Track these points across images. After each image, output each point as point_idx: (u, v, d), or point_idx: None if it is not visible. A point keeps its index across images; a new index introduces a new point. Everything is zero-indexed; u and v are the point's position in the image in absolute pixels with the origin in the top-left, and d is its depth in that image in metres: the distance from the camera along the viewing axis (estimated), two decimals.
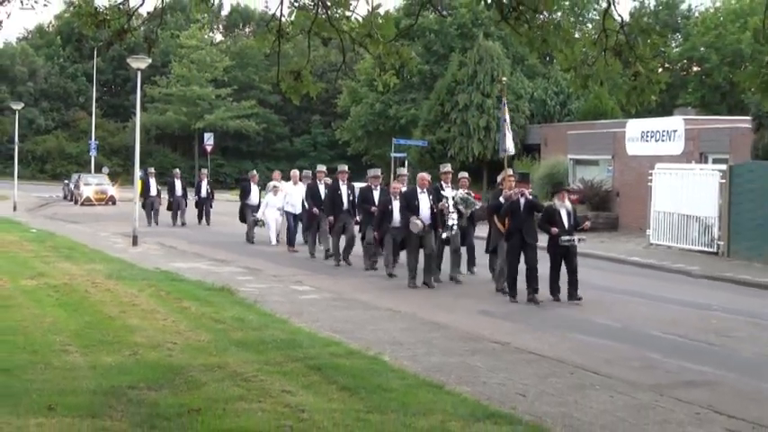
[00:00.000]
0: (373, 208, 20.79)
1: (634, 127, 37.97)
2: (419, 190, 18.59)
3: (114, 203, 47.09)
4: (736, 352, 12.90)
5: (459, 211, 19.02)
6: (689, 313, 16.10)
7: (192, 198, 36.14)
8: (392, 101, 59.64)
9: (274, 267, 21.75)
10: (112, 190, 49.63)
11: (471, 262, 20.63)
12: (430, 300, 17.04)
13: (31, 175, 74.35)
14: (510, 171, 19.11)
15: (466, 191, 19.85)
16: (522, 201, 16.36)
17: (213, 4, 11.41)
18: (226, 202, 43.47)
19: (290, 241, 25.87)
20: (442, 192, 19.12)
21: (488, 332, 13.67)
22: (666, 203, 28.30)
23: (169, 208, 34.44)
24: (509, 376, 10.73)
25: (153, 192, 34.39)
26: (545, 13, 7.85)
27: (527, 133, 54.03)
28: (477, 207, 19.93)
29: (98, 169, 60.72)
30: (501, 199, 17.43)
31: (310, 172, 26.59)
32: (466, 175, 20.65)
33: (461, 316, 15.25)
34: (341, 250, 22.25)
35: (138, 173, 31.41)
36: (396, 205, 19.30)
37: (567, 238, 16.32)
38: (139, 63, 27.44)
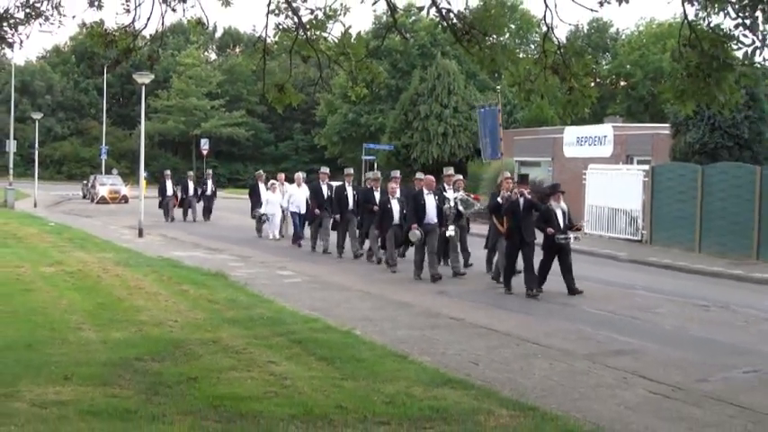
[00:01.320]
0: (375, 207, 19.67)
1: (570, 133, 38.16)
2: (425, 191, 17.51)
3: (127, 201, 46.18)
4: (658, 325, 12.97)
5: (459, 212, 18.03)
6: (617, 292, 16.20)
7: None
8: (363, 111, 59.92)
9: (261, 255, 21.68)
10: (125, 190, 48.80)
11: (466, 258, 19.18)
12: (396, 283, 17.02)
13: (49, 176, 73.75)
14: (507, 173, 18.10)
15: (464, 192, 18.90)
16: (522, 201, 15.23)
17: (207, 28, 11.38)
18: (222, 199, 43.18)
19: (296, 238, 24.22)
20: (444, 193, 18.06)
21: (446, 310, 13.68)
22: (598, 198, 28.54)
23: (180, 205, 33.61)
24: (464, 348, 10.76)
25: (169, 192, 33.49)
26: (493, 36, 7.85)
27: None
28: (477, 207, 18.99)
29: (108, 171, 60.25)
30: (499, 199, 16.45)
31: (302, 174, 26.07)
32: (460, 176, 19.70)
33: (423, 296, 15.25)
34: (343, 245, 21.20)
35: (142, 174, 31.41)
36: (394, 204, 18.60)
37: (562, 236, 15.32)
38: (143, 78, 27.37)
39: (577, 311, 13.89)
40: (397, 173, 20.83)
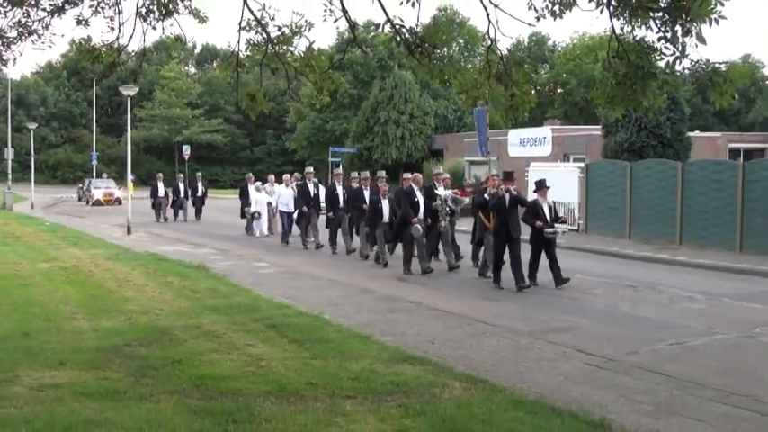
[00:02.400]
0: (364, 206, 18.88)
1: (514, 135, 38.50)
2: (415, 188, 16.67)
3: (120, 203, 44.31)
4: (593, 304, 13.08)
5: (450, 209, 17.05)
6: None
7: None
8: (328, 118, 59.96)
9: (239, 249, 21.56)
10: (118, 192, 47.03)
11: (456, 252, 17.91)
12: (361, 272, 17.02)
13: (44, 180, 73.08)
14: (494, 171, 17.52)
15: (453, 190, 18.06)
16: (508, 197, 14.25)
17: (186, 44, 11.35)
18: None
19: (284, 236, 23.05)
20: (435, 191, 17.06)
21: (406, 295, 13.71)
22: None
23: (172, 206, 32.70)
24: (421, 328, 10.79)
25: (161, 193, 32.47)
26: (442, 49, 7.86)
27: (433, 141, 54.52)
28: (466, 202, 17.74)
29: (99, 175, 59.31)
30: (485, 196, 15.41)
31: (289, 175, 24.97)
32: (447, 175, 18.80)
33: (385, 283, 15.27)
34: (335, 241, 20.25)
35: (130, 177, 31.42)
36: (385, 203, 17.59)
37: (551, 230, 14.50)
38: (129, 91, 27.25)
39: (522, 294, 13.95)
40: (382, 173, 20.32)
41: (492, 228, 14.76)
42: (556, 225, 14.84)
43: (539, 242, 14.65)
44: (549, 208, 14.89)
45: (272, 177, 27.74)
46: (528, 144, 37.68)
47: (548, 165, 30.98)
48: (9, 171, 48.40)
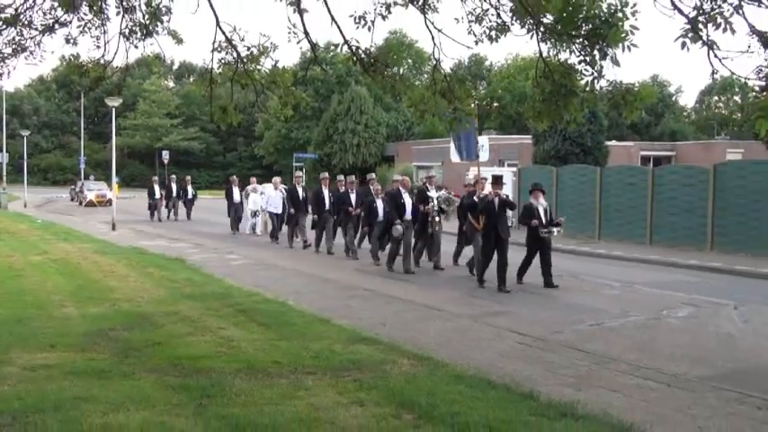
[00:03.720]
0: (350, 208, 17.95)
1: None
2: (402, 191, 15.59)
3: (111, 204, 43.54)
4: (525, 291, 13.19)
5: (441, 209, 15.71)
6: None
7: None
8: (293, 127, 59.78)
9: (213, 243, 21.36)
10: (110, 194, 45.83)
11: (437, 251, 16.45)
12: (323, 264, 16.96)
13: (36, 182, 71.57)
14: (482, 174, 16.17)
15: (446, 191, 16.88)
16: (497, 200, 13.11)
17: (165, 62, 11.23)
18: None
19: (273, 235, 21.95)
20: (428, 193, 15.71)
21: (362, 284, 13.70)
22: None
23: (166, 206, 31.45)
24: (375, 313, 10.81)
25: (157, 195, 31.20)
26: (394, 67, 7.89)
27: (385, 148, 54.78)
28: (457, 203, 16.20)
29: (86, 178, 58.12)
30: (474, 198, 14.30)
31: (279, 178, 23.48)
32: (436, 174, 17.54)
33: (344, 273, 15.25)
34: (322, 241, 18.92)
35: (114, 179, 30.94)
36: (379, 203, 16.74)
37: (545, 230, 13.45)
38: (114, 102, 26.81)
39: (465, 283, 14.03)
40: (372, 175, 19.80)
41: (482, 229, 13.62)
42: (550, 226, 13.66)
43: (534, 244, 13.65)
44: (545, 210, 13.78)
45: (253, 179, 26.81)
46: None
47: (485, 169, 31.24)
48: (4, 173, 47.36)
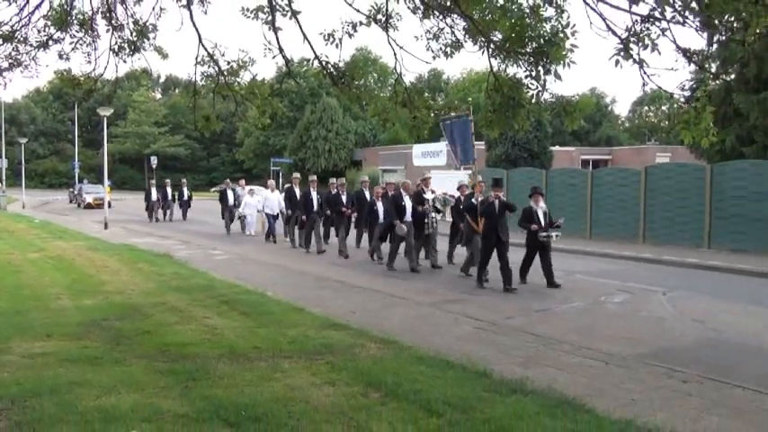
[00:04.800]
0: (343, 209, 17.10)
1: (417, 149, 38.81)
2: (403, 193, 14.72)
3: (110, 206, 41.80)
4: (489, 283, 13.14)
5: (437, 210, 15.01)
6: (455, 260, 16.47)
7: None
8: (270, 134, 59.62)
9: (198, 240, 21.12)
10: (108, 197, 44.41)
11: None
12: (298, 258, 16.88)
13: (34, 185, 70.31)
14: (480, 177, 15.18)
15: (443, 192, 16.23)
16: (497, 203, 12.24)
17: (152, 75, 11.15)
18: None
19: (269, 235, 20.69)
20: (423, 195, 14.87)
21: (334, 276, 13.66)
22: (438, 193, 28.99)
23: (162, 208, 30.37)
24: (345, 301, 10.79)
25: (153, 197, 30.16)
26: (360, 80, 7.88)
27: (353, 153, 54.82)
28: (452, 203, 15.42)
29: (80, 181, 56.92)
30: (473, 200, 13.45)
31: (272, 181, 22.87)
32: (430, 175, 16.39)
33: (317, 266, 15.18)
34: (312, 241, 17.88)
35: (106, 182, 30.48)
36: (379, 206, 15.90)
37: (544, 234, 12.48)
38: (105, 111, 26.33)
39: (425, 275, 14.06)
40: (365, 177, 19.06)
41: (482, 231, 12.74)
42: (550, 229, 12.65)
43: (533, 246, 12.68)
44: (544, 213, 12.75)
45: (242, 182, 26.24)
46: (428, 156, 38.05)
47: (443, 172, 31.37)
48: (3, 177, 46.35)
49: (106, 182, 30.46)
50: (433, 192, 15.60)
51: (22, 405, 5.48)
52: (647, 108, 76.67)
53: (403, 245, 14.61)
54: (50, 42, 7.77)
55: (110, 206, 41.36)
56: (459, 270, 13.89)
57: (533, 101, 7.23)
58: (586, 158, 41.40)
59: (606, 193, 21.16)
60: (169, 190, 30.38)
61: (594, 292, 12.05)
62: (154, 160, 58.18)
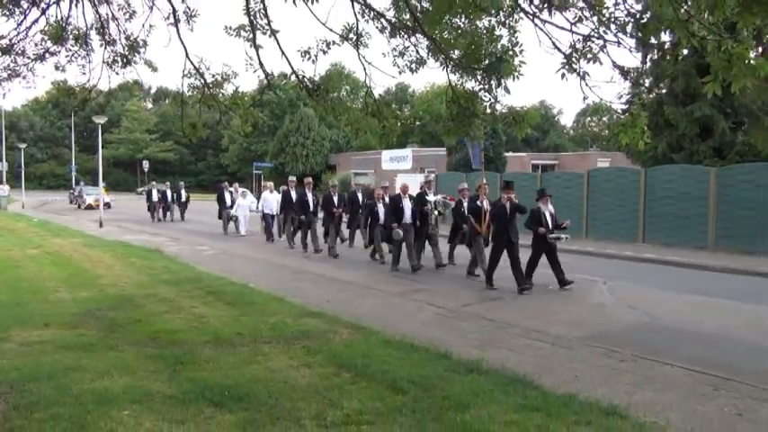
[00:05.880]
0: (334, 209, 16.17)
1: (386, 154, 38.86)
2: (402, 196, 13.81)
3: (109, 207, 39.54)
4: (445, 274, 13.24)
5: (439, 212, 14.29)
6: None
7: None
8: (253, 141, 59.25)
9: (186, 237, 20.87)
10: (107, 198, 41.04)
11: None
12: (279, 253, 16.78)
13: (33, 187, 68.77)
14: (484, 180, 14.23)
15: (442, 195, 15.29)
16: (508, 205, 11.38)
17: (144, 87, 10.98)
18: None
19: (269, 235, 19.83)
20: (426, 197, 13.95)
21: (310, 268, 13.62)
22: (438, 197, 28.94)
23: (162, 209, 29.38)
24: (321, 292, 10.75)
25: (155, 198, 29.24)
26: (333, 93, 7.85)
27: (329, 159, 54.75)
28: (452, 206, 14.46)
29: (77, 183, 55.83)
30: (477, 203, 12.61)
31: (270, 184, 21.16)
32: (432, 178, 14.92)
33: (295, 260, 15.12)
34: (308, 241, 16.98)
35: (101, 184, 30.02)
36: (380, 207, 14.99)
37: (554, 235, 11.60)
38: (100, 119, 25.93)
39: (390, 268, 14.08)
40: (359, 180, 18.81)
41: (492, 234, 11.84)
42: (556, 231, 11.77)
43: (540, 247, 11.71)
44: (551, 215, 11.84)
45: (236, 185, 25.49)
46: (396, 161, 38.14)
47: (409, 175, 31.44)
48: (4, 179, 45.29)
49: (101, 183, 30.01)
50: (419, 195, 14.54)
51: (20, 389, 5.36)
52: (589, 119, 77.79)
53: (404, 246, 13.71)
54: (47, 55, 7.59)
55: (109, 207, 40.49)
56: (466, 272, 12.82)
57: (487, 111, 7.27)
58: (536, 163, 41.81)
59: (554, 194, 21.36)
60: (169, 192, 29.67)
61: (544, 281, 12.17)
62: (146, 164, 57.40)
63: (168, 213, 29.30)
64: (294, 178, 18.86)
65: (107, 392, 5.27)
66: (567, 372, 6.31)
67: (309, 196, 16.91)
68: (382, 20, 7.24)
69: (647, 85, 23.10)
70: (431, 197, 14.15)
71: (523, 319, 8.80)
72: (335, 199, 16.52)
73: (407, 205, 13.71)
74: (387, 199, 15.05)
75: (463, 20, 6.98)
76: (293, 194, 17.66)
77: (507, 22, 6.88)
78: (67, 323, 7.95)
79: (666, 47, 7.25)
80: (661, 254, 16.15)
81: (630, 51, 6.23)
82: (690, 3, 5.20)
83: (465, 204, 13.53)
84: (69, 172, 62.45)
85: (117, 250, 16.15)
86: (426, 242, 14.11)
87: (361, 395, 5.30)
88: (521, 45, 6.71)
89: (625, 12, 5.60)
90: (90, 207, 40.75)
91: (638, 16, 5.55)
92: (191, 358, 6.36)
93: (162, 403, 5.06)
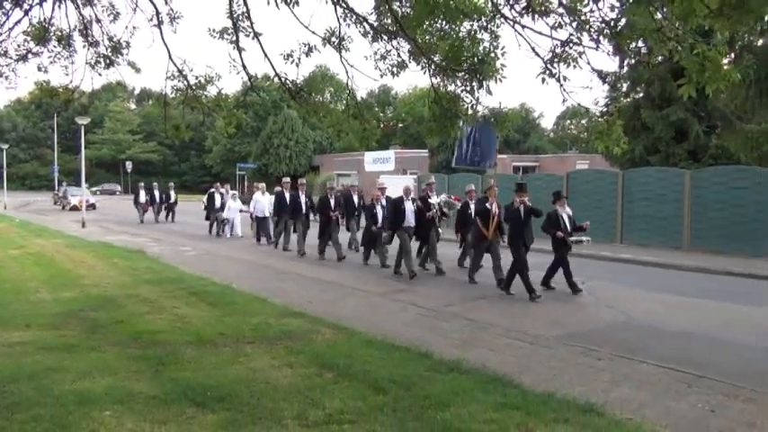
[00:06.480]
0: (330, 212, 15.50)
1: (369, 156, 38.84)
2: (404, 198, 13.11)
3: (95, 208, 38.46)
4: (427, 275, 13.17)
5: (443, 213, 13.40)
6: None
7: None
8: (237, 142, 58.95)
9: (168, 238, 20.67)
10: (92, 198, 40.92)
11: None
12: (261, 254, 16.70)
13: (15, 188, 67.53)
14: (492, 181, 13.63)
15: (447, 195, 14.53)
16: (522, 208, 10.78)
17: (127, 88, 10.87)
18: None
19: (258, 237, 19.30)
20: (429, 199, 13.08)
21: (293, 269, 13.57)
22: (391, 194, 28.96)
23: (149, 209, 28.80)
24: (304, 292, 10.72)
25: (142, 199, 28.60)
26: (317, 96, 7.84)
27: (312, 160, 54.71)
28: (457, 206, 13.85)
29: (59, 184, 54.96)
30: (487, 205, 11.82)
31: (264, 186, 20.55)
32: (434, 180, 14.21)
33: (278, 261, 15.06)
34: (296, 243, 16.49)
35: (84, 185, 29.64)
36: (379, 210, 14.40)
37: (575, 238, 11.04)
38: (83, 120, 25.64)
39: (373, 269, 14.03)
40: (354, 182, 18.36)
41: (508, 239, 11.12)
42: (575, 234, 11.18)
43: (561, 249, 11.08)
44: (569, 217, 11.22)
45: (227, 186, 24.56)
46: (378, 162, 38.17)
47: (392, 176, 31.47)
48: None
49: (84, 184, 29.57)
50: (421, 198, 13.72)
51: (1, 390, 5.28)
52: (569, 122, 78.45)
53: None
54: (30, 56, 7.50)
55: (94, 208, 39.54)
56: (468, 277, 12.25)
57: (469, 113, 7.31)
58: (517, 165, 42.03)
59: (533, 196, 21.34)
60: (157, 194, 28.95)
61: (521, 282, 12.18)
62: (129, 165, 56.83)
63: (158, 215, 28.64)
64: (288, 179, 18.36)
65: (89, 393, 5.21)
66: (546, 370, 6.35)
67: (302, 198, 16.57)
68: (365, 24, 7.25)
69: (624, 89, 23.39)
70: (434, 199, 13.36)
71: (504, 319, 8.84)
72: (332, 202, 15.88)
73: (409, 208, 13.08)
74: (384, 201, 14.70)
75: (445, 24, 7.02)
76: (287, 196, 17.12)
77: (489, 26, 6.93)
78: (49, 324, 7.85)
79: (643, 52, 7.34)
80: (638, 254, 16.33)
81: (608, 55, 6.31)
82: (665, 10, 5.28)
83: (472, 206, 13.08)
84: (52, 172, 61.56)
85: (99, 251, 15.97)
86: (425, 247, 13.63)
87: (342, 395, 5.30)
88: (503, 48, 6.76)
89: (600, 19, 5.67)
90: (75, 208, 39.96)
91: (612, 24, 5.62)
92: (173, 359, 6.31)
93: (144, 404, 5.01)
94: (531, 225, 10.90)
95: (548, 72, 6.28)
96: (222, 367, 6.08)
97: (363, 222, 15.70)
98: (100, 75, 7.84)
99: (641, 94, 23.01)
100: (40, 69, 7.65)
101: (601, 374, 6.25)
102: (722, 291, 11.54)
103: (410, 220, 12.94)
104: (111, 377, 5.68)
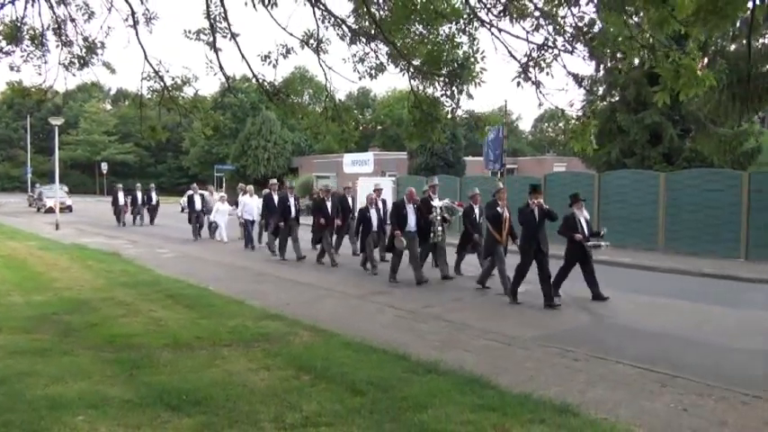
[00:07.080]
0: (326, 218, 14.89)
1: (348, 158, 38.75)
2: (406, 201, 12.60)
3: (71, 210, 37.21)
4: (405, 276, 13.14)
5: (444, 218, 12.81)
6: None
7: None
8: (214, 144, 58.46)
9: (145, 240, 20.42)
10: (69, 201, 39.07)
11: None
12: (239, 256, 16.58)
13: None
14: (500, 184, 13.23)
15: (450, 200, 13.97)
16: (537, 211, 10.18)
17: (102, 88, 10.73)
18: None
19: (248, 241, 18.33)
20: (431, 202, 12.79)
21: (270, 271, 13.51)
22: (444, 201, 28.75)
23: (131, 212, 27.59)
24: (282, 294, 10.66)
25: (121, 202, 27.62)
26: (295, 97, 7.82)
27: (291, 161, 54.53)
28: (459, 213, 13.49)
29: (33, 186, 53.92)
30: (498, 209, 11.26)
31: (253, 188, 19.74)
32: (437, 182, 14.21)
33: (256, 262, 14.97)
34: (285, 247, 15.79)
35: (58, 187, 29.04)
36: (373, 213, 13.90)
37: (592, 243, 10.49)
38: (57, 121, 25.11)
39: (352, 270, 14.03)
40: (349, 184, 17.35)
41: (520, 241, 10.55)
42: (592, 238, 10.66)
43: (574, 256, 10.58)
44: (587, 221, 10.72)
45: (211, 188, 24.32)
46: (357, 164, 38.10)
47: (371, 178, 31.45)
48: None
49: (57, 186, 29.04)
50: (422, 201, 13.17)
51: None
52: (546, 124, 79.22)
53: (406, 254, 12.57)
54: (1, 55, 7.37)
55: (71, 210, 38.23)
56: (476, 282, 11.82)
57: (449, 116, 7.35)
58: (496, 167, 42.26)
59: (511, 198, 21.49)
60: (139, 195, 27.88)
61: (498, 284, 12.23)
62: (104, 166, 56.11)
63: (137, 218, 27.48)
64: (275, 181, 17.95)
65: (61, 398, 5.12)
66: (522, 371, 6.39)
67: (291, 200, 15.94)
68: (343, 26, 7.25)
69: (600, 92, 23.67)
70: (436, 202, 12.96)
71: (481, 321, 8.89)
72: (329, 205, 15.11)
73: (411, 212, 12.58)
74: (380, 204, 14.37)
75: (423, 28, 7.04)
76: (275, 198, 16.58)
77: (467, 29, 6.97)
78: (21, 327, 7.71)
79: (618, 56, 7.44)
80: (613, 256, 16.49)
81: (584, 60, 6.39)
82: (641, 15, 5.35)
83: (476, 211, 12.85)
84: (25, 174, 60.54)
85: (73, 253, 15.73)
86: (431, 253, 13.24)
87: (320, 397, 5.28)
88: (482, 52, 6.81)
89: (573, 25, 5.74)
90: (51, 210, 38.95)
91: (585, 30, 5.69)
92: (148, 362, 6.24)
93: (118, 408, 4.95)
94: (545, 228, 10.30)
95: (523, 76, 6.34)
96: (198, 370, 6.02)
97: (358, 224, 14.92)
98: (74, 75, 7.75)
99: (617, 98, 23.31)
100: (12, 69, 7.52)
101: (577, 375, 6.31)
102: (696, 292, 11.73)
103: (412, 224, 12.52)
104: (84, 381, 5.60)
